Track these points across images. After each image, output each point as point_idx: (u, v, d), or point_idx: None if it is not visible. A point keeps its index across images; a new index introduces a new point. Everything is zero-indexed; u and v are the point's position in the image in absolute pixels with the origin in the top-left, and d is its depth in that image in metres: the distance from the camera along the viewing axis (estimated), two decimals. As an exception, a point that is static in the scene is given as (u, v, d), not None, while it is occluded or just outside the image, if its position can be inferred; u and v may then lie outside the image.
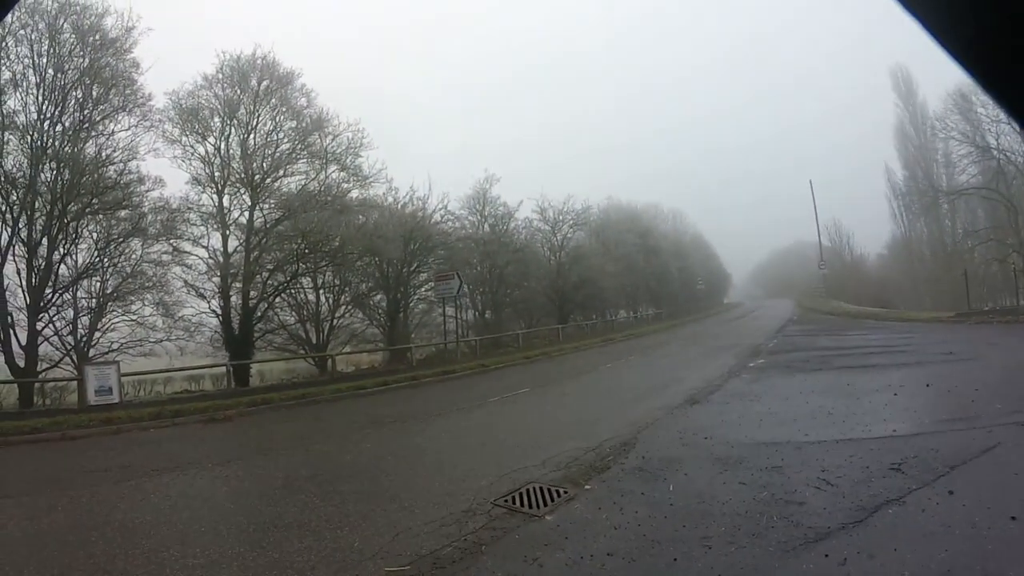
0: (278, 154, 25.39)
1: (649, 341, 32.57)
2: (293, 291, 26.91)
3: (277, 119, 25.62)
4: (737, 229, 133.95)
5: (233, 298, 24.07)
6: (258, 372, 25.05)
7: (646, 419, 10.40)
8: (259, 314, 25.09)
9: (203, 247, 23.79)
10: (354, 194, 27.96)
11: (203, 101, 24.15)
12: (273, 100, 25.35)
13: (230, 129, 24.56)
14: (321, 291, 28.14)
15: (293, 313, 27.50)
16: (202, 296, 23.69)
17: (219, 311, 23.98)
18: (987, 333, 21.42)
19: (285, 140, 25.76)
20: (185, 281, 23.23)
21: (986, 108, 36.10)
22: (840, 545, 4.59)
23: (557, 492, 6.60)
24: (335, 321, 28.54)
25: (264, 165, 24.87)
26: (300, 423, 13.72)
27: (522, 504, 6.29)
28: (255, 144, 24.98)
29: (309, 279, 27.24)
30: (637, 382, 16.63)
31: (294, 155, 25.91)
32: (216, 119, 24.38)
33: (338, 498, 6.96)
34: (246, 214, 24.75)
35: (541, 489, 6.72)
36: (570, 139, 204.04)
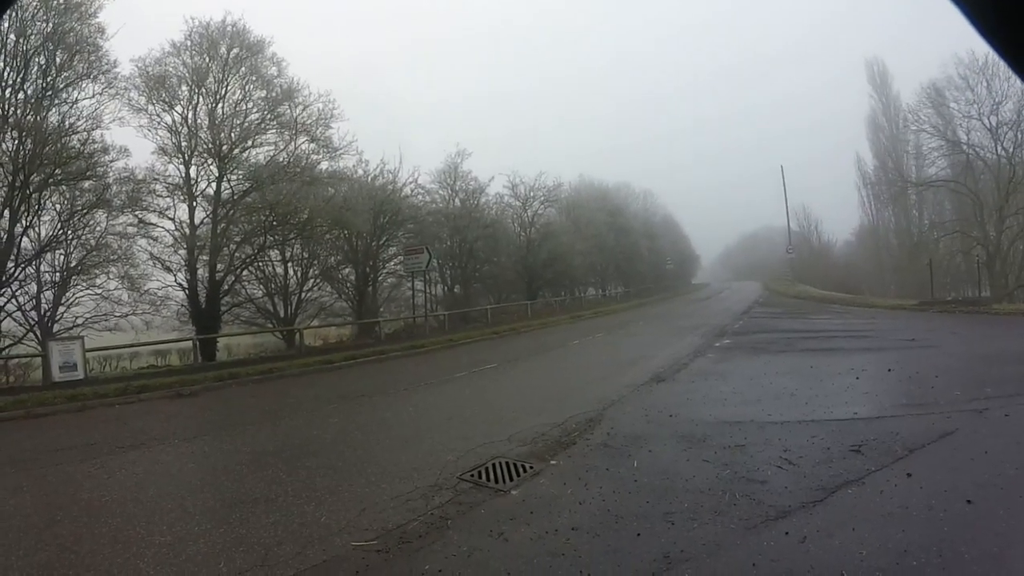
0: (247, 124, 24.93)
1: (617, 319, 32.77)
2: (261, 264, 26.75)
3: (246, 88, 25.17)
4: (708, 211, 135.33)
5: (200, 271, 23.81)
6: (225, 346, 24.88)
7: (612, 396, 10.47)
8: (226, 287, 24.83)
9: (169, 219, 23.46)
10: (323, 166, 27.68)
11: (171, 69, 23.63)
12: (243, 69, 24.88)
13: (198, 98, 24.06)
14: (289, 264, 27.97)
15: (261, 286, 27.33)
16: (168, 269, 23.35)
17: (185, 284, 23.66)
18: (949, 322, 21.78)
19: (254, 110, 25.32)
20: (151, 254, 22.90)
21: (958, 104, 36.77)
22: (800, 523, 4.67)
23: (523, 467, 6.63)
24: (303, 295, 28.42)
25: (232, 135, 24.43)
26: (267, 398, 13.60)
27: (488, 479, 6.30)
28: (223, 114, 24.51)
29: (277, 252, 27.10)
30: (604, 359, 16.71)
31: (263, 125, 25.41)
32: (184, 87, 23.86)
33: (305, 473, 6.92)
34: (213, 185, 24.44)
35: (507, 464, 6.74)
36: (540, 109, 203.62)
